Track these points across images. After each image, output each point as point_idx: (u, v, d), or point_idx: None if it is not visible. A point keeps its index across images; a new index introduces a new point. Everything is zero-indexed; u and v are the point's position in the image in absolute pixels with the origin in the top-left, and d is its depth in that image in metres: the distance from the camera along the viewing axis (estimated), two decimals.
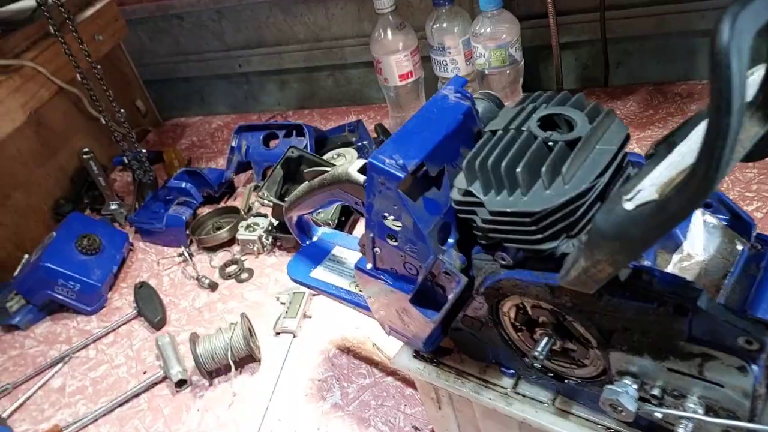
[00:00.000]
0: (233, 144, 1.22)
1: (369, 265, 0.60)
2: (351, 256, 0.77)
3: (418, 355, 0.65)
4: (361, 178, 0.63)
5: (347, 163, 0.67)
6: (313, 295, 0.97)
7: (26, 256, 1.18)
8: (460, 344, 0.62)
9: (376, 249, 0.57)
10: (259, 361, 0.89)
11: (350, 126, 1.28)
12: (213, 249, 1.12)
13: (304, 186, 0.73)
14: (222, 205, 1.21)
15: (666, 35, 1.23)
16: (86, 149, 1.25)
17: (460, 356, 0.63)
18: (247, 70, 1.58)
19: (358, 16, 1.42)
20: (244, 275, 1.05)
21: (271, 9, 1.47)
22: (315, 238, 0.81)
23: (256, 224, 1.09)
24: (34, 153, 1.27)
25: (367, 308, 0.69)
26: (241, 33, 1.53)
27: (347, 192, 0.66)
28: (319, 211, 0.98)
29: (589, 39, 1.28)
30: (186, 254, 1.10)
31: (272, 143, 1.24)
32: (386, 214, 0.54)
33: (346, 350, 0.87)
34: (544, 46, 1.24)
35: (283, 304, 0.97)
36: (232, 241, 1.12)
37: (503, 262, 0.50)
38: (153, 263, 1.13)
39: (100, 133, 1.39)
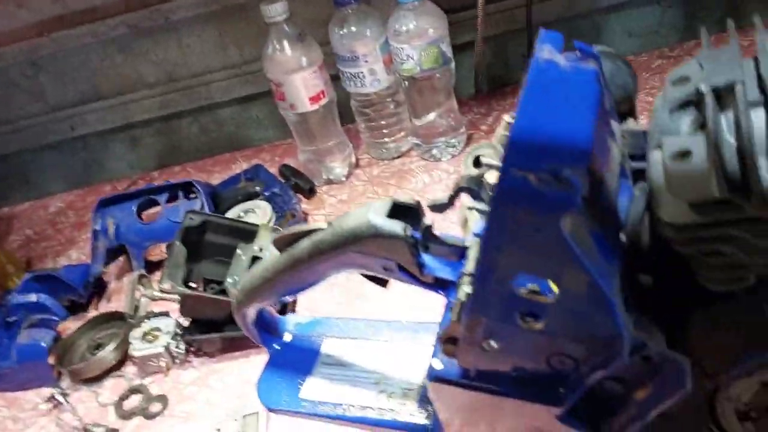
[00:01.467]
0: (96, 227, 0.88)
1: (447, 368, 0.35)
2: (355, 349, 0.51)
3: None
4: (398, 226, 0.39)
5: (362, 210, 0.42)
6: (270, 409, 0.67)
7: None
8: None
9: (490, 343, 0.32)
10: None
11: (247, 174, 1.00)
12: (97, 379, 0.77)
13: (276, 261, 0.46)
14: (94, 313, 0.86)
15: (573, 18, 1.12)
16: None
17: None
18: (83, 132, 1.22)
19: (220, 42, 1.15)
20: (155, 407, 0.72)
21: (106, 50, 1.14)
22: (288, 337, 0.53)
23: (156, 330, 0.77)
24: None
25: (425, 429, 0.43)
26: (70, 86, 1.18)
27: (371, 254, 0.41)
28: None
29: (492, 34, 1.12)
30: (58, 396, 0.75)
31: (147, 214, 0.92)
32: (524, 279, 0.29)
33: None
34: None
35: None
36: (123, 362, 0.78)
37: None
38: (6, 421, 0.76)
39: None
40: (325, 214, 0.94)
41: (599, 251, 0.28)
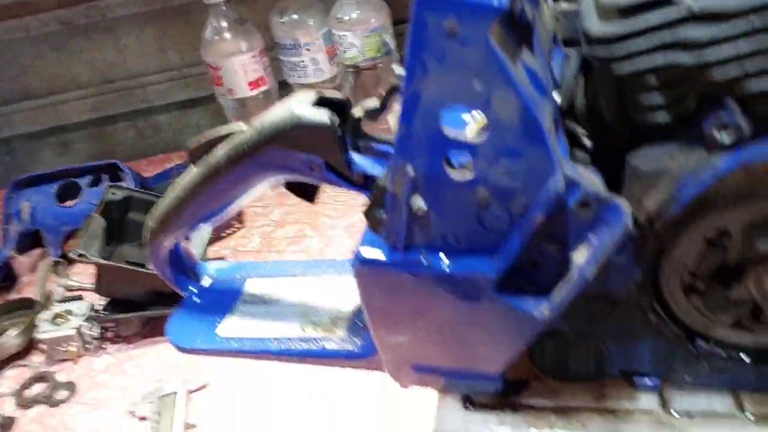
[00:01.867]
0: (8, 209, 0.81)
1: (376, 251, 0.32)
2: (282, 286, 0.46)
3: (473, 403, 0.37)
4: (324, 115, 0.36)
5: (285, 102, 0.39)
6: (192, 391, 0.61)
7: None
8: (547, 362, 0.35)
9: (417, 204, 0.29)
10: None
11: (180, 169, 0.95)
12: None
13: (191, 175, 0.42)
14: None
15: None
16: None
17: (545, 385, 0.37)
18: (8, 133, 1.16)
19: (159, 45, 1.12)
20: (61, 394, 0.65)
21: (37, 47, 1.10)
22: (207, 281, 0.49)
23: (68, 312, 0.70)
24: None
25: (356, 355, 0.39)
26: None
27: (295, 149, 0.38)
28: None
29: None
30: None
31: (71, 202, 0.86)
32: (450, 117, 0.27)
33: None
34: None
35: (145, 419, 0.60)
36: (29, 350, 0.71)
37: (729, 138, 0.25)
38: None
39: None
40: (262, 207, 0.90)
41: (531, 82, 0.26)
